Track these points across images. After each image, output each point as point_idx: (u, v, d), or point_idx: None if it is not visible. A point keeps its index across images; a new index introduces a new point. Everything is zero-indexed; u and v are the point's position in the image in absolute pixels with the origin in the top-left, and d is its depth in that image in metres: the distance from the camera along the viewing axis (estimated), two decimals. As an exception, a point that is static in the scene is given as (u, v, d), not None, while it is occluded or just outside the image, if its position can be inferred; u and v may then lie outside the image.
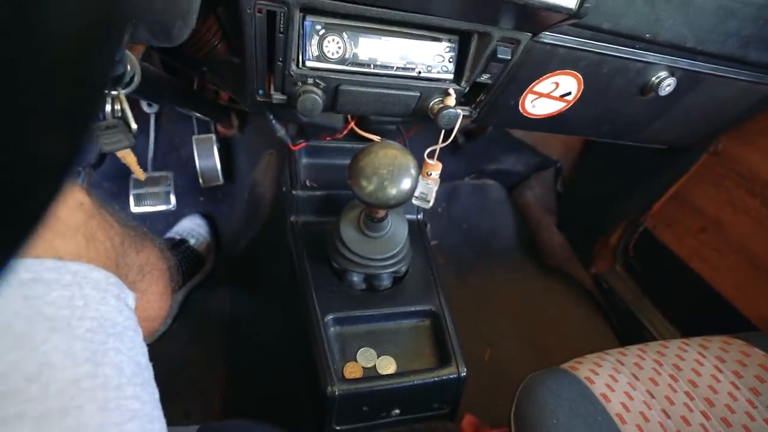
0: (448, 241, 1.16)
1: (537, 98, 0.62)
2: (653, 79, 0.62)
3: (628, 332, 1.09)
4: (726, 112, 0.74)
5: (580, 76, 0.59)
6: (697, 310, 0.99)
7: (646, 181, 1.05)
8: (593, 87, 0.61)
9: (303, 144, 0.73)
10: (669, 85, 0.62)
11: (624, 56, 0.57)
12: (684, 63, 0.61)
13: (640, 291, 1.11)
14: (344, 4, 0.44)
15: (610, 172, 1.19)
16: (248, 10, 0.41)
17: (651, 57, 0.58)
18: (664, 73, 0.61)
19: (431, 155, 0.62)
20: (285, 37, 0.45)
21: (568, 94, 0.62)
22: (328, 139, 0.76)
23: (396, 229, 0.57)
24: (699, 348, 0.60)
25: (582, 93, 0.62)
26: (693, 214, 1.00)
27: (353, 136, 0.72)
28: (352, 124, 0.71)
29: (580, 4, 0.43)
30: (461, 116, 0.57)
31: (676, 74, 0.62)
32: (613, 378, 0.56)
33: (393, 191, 0.37)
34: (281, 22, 0.44)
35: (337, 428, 0.55)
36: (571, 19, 0.44)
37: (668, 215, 1.06)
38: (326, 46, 0.48)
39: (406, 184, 0.38)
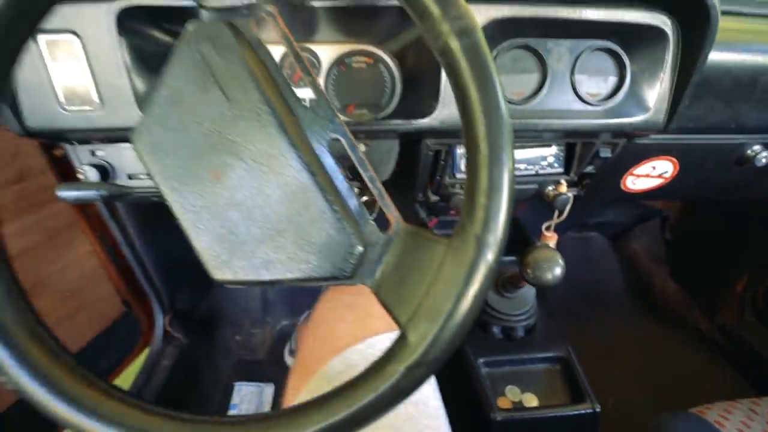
0: (557, 292, 1.25)
1: (636, 178, 0.75)
2: (748, 152, 0.71)
3: (763, 383, 1.04)
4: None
5: (675, 159, 0.71)
6: None
7: (763, 231, 1.05)
8: (689, 166, 0.72)
9: (435, 221, 0.95)
10: (765, 157, 0.70)
11: (715, 142, 0.68)
12: (776, 137, 0.70)
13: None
14: None
15: (722, 218, 1.19)
16: (426, 151, 0.64)
17: (742, 138, 0.69)
18: (759, 147, 0.71)
19: (548, 228, 0.78)
20: (444, 162, 0.67)
21: (665, 172, 0.74)
22: (453, 213, 0.97)
23: (527, 291, 0.73)
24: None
25: (679, 171, 0.73)
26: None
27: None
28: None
29: (668, 121, 0.58)
30: (572, 198, 0.73)
31: (771, 146, 0.70)
32: (746, 424, 0.62)
33: (549, 276, 0.55)
34: (442, 156, 0.66)
35: None
36: (659, 132, 0.59)
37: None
38: (471, 165, 0.69)
39: (558, 272, 0.55)
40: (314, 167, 0.30)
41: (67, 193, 0.47)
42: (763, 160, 0.70)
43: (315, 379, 0.47)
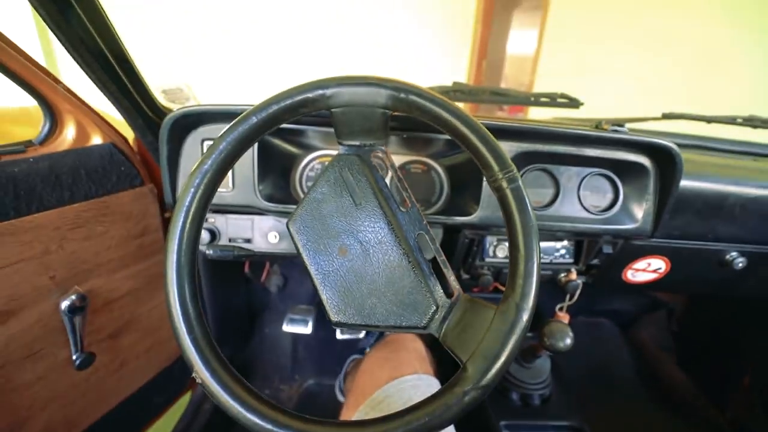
0: (571, 374, 1.32)
1: (635, 272, 0.90)
2: (727, 257, 0.86)
3: None
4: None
5: (666, 258, 0.87)
6: None
7: (764, 327, 1.15)
8: (679, 264, 0.87)
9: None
10: (741, 262, 0.85)
11: (698, 246, 0.84)
12: (750, 247, 0.85)
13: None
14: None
15: (724, 312, 1.29)
16: (463, 239, 0.81)
17: (720, 246, 0.84)
18: (735, 253, 0.86)
19: (561, 309, 0.92)
20: (477, 249, 0.84)
21: (659, 268, 0.89)
22: (476, 290, 1.11)
23: (543, 362, 0.85)
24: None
25: (670, 268, 0.88)
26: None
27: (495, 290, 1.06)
28: (496, 284, 1.05)
29: (654, 230, 0.75)
30: (581, 285, 0.87)
31: (746, 254, 0.85)
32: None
33: (561, 344, 0.68)
34: (475, 243, 0.83)
35: None
36: (648, 237, 0.75)
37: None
38: (497, 251, 0.86)
39: (568, 341, 0.69)
40: (407, 251, 0.47)
41: (213, 252, 0.64)
42: (740, 265, 0.84)
43: (364, 405, 0.61)
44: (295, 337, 1.38)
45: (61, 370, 0.74)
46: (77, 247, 0.72)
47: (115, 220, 0.79)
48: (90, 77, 0.64)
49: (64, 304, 0.71)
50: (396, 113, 0.46)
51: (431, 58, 3.04)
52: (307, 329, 1.23)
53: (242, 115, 0.45)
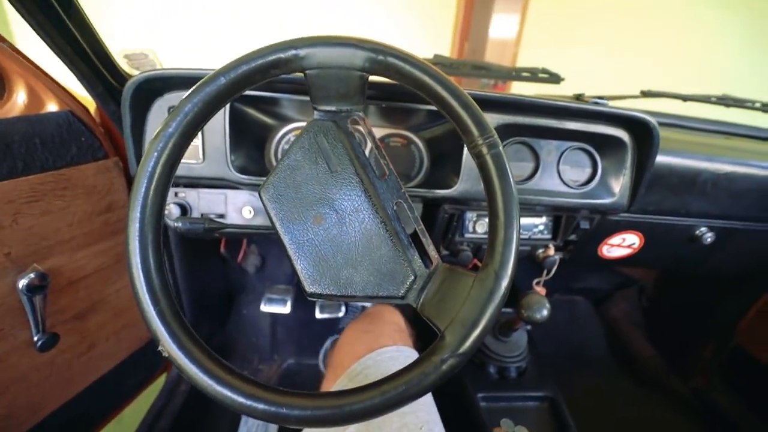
0: (546, 349, 1.36)
1: (611, 247, 0.91)
2: (696, 233, 0.89)
3: None
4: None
5: (641, 233, 0.88)
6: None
7: (725, 303, 1.20)
8: (652, 239, 0.89)
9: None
10: (710, 237, 0.88)
11: (670, 222, 0.86)
12: (718, 222, 0.88)
13: (745, 407, 1.17)
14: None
15: (691, 289, 1.35)
16: (442, 214, 0.81)
17: (691, 221, 0.87)
18: (705, 228, 0.88)
19: (538, 283, 0.93)
20: (456, 224, 0.83)
21: (633, 244, 0.91)
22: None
23: (520, 336, 0.86)
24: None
25: (644, 243, 0.90)
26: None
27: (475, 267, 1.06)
28: (476, 260, 1.05)
29: (630, 204, 0.76)
30: (558, 260, 0.88)
31: (714, 229, 0.88)
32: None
33: (538, 315, 0.69)
34: (455, 218, 0.82)
35: None
36: (624, 212, 0.77)
37: (758, 331, 1.18)
38: (477, 226, 0.85)
39: (545, 312, 0.69)
40: (385, 220, 0.45)
41: (182, 225, 0.61)
42: (708, 239, 0.87)
43: (343, 378, 0.61)
44: (275, 317, 1.36)
45: (22, 352, 0.70)
46: (34, 222, 0.68)
47: (77, 195, 0.74)
48: (41, 37, 0.59)
49: (22, 283, 0.67)
50: (374, 76, 0.44)
51: (413, 39, 2.98)
52: (285, 309, 1.22)
53: (209, 75, 0.42)
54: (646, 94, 0.91)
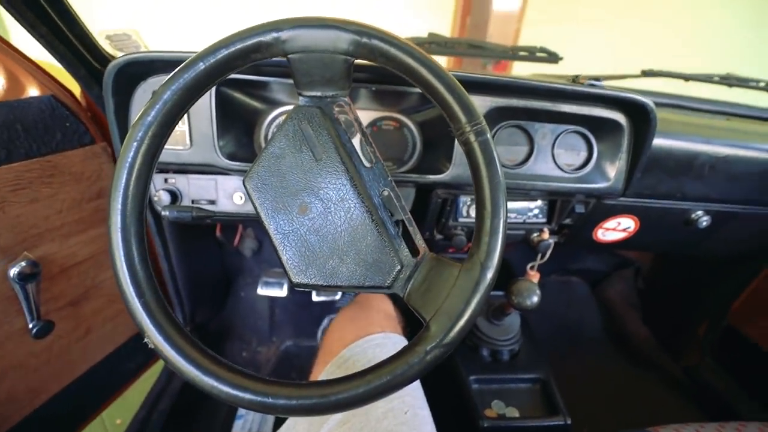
0: (541, 330, 1.38)
1: (605, 231, 0.91)
2: (692, 216, 0.88)
3: (714, 414, 1.15)
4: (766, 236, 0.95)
5: (636, 217, 0.88)
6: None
7: (720, 284, 1.21)
8: (647, 223, 0.89)
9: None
10: (705, 221, 0.87)
11: (666, 206, 0.85)
12: (715, 206, 0.87)
13: (735, 384, 1.19)
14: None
15: (686, 270, 1.35)
16: (435, 199, 0.80)
17: (687, 205, 0.86)
18: (701, 212, 0.87)
19: (532, 268, 0.93)
20: (450, 209, 0.82)
21: (629, 227, 0.90)
22: (451, 251, 1.11)
23: (513, 319, 0.87)
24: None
25: (639, 227, 0.89)
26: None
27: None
28: (470, 244, 1.05)
29: (625, 188, 0.74)
30: (553, 244, 0.88)
31: (711, 213, 0.87)
32: (691, 442, 0.74)
33: (528, 302, 0.69)
34: (448, 203, 0.81)
35: None
36: (620, 197, 0.76)
37: (750, 311, 1.19)
38: (471, 210, 0.85)
39: (535, 299, 0.69)
40: (371, 210, 0.45)
41: (169, 213, 0.60)
42: (704, 223, 0.86)
43: (330, 365, 0.62)
44: (272, 300, 1.37)
45: (18, 340, 0.71)
46: (21, 210, 0.67)
47: (65, 182, 0.73)
48: (14, 17, 0.57)
49: (13, 271, 0.66)
50: (359, 60, 0.42)
51: (415, 13, 2.89)
52: (282, 292, 1.22)
53: (187, 60, 0.40)
54: (646, 73, 0.88)
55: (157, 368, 1.07)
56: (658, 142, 0.72)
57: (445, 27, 3.04)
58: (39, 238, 0.71)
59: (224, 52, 0.40)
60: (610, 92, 0.65)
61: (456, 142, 0.67)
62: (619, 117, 0.69)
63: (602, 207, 0.84)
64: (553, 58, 0.86)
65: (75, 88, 0.76)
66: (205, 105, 0.64)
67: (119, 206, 0.38)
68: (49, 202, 0.71)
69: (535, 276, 0.92)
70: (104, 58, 0.72)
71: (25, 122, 0.65)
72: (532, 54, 0.88)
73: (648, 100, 0.64)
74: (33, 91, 0.69)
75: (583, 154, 0.74)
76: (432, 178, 0.69)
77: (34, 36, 0.60)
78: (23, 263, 0.68)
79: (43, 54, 0.66)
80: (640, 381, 1.27)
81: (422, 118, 0.72)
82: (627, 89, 0.68)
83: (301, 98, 0.46)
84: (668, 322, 1.38)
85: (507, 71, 2.84)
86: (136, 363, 0.99)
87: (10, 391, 0.72)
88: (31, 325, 0.70)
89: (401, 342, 0.68)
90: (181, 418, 1.03)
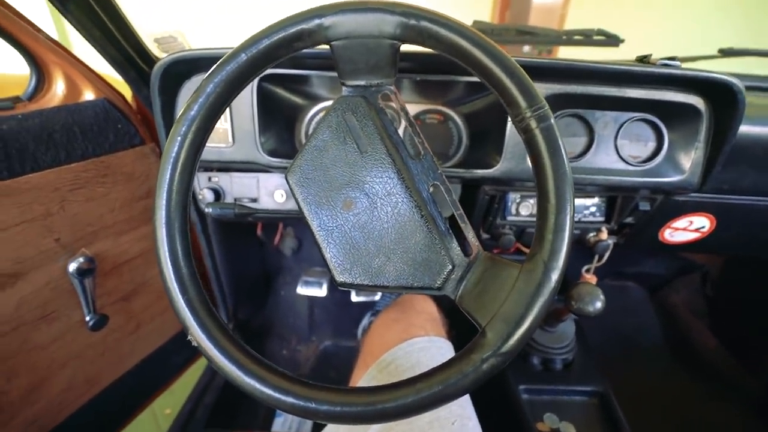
0: (594, 339, 1.28)
1: (674, 231, 0.82)
2: (784, 214, 0.76)
3: None
4: None
5: (712, 215, 0.78)
6: None
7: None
8: (725, 223, 0.78)
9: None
10: (802, 219, 0.75)
11: (749, 202, 0.75)
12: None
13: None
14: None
15: (763, 277, 1.20)
16: (483, 196, 0.75)
17: (777, 200, 0.75)
18: (793, 210, 0.76)
19: (588, 271, 0.85)
20: (498, 206, 0.77)
21: (702, 227, 0.80)
22: (496, 251, 1.05)
23: (567, 326, 0.80)
24: None
25: (716, 226, 0.79)
26: None
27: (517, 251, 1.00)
28: (518, 244, 0.99)
29: (702, 183, 0.66)
30: (611, 245, 0.80)
31: (805, 211, 0.76)
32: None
33: (591, 308, 0.63)
34: (496, 200, 0.76)
35: None
36: (694, 192, 0.67)
37: None
38: (521, 208, 0.79)
39: (598, 305, 0.63)
40: (420, 205, 0.41)
41: (212, 210, 0.60)
42: (803, 221, 0.75)
43: (372, 368, 0.59)
44: (312, 299, 1.37)
45: (76, 331, 0.74)
46: (79, 209, 0.70)
47: (117, 181, 0.76)
48: (70, 21, 0.59)
49: (72, 267, 0.70)
50: (406, 44, 0.39)
51: (451, 5, 2.82)
52: (321, 291, 1.22)
53: (229, 52, 0.39)
54: (725, 53, 0.78)
55: (202, 362, 1.10)
56: (743, 129, 0.63)
57: (483, 19, 2.95)
58: (94, 236, 0.74)
59: (266, 42, 0.38)
60: (689, 72, 0.57)
61: (507, 133, 0.62)
62: (696, 101, 0.61)
63: (671, 204, 0.76)
64: (613, 41, 0.78)
65: (126, 91, 0.78)
66: (247, 102, 0.64)
67: (164, 202, 0.38)
68: (103, 201, 0.74)
69: (592, 279, 0.85)
70: (152, 60, 0.74)
71: (82, 125, 0.68)
72: (588, 38, 0.80)
73: (735, 80, 0.56)
74: (89, 95, 0.72)
75: (651, 145, 0.67)
76: (480, 173, 0.64)
77: (88, 40, 0.62)
78: (81, 259, 0.71)
79: (98, 64, 0.69)
80: (713, 400, 1.14)
81: (468, 110, 0.68)
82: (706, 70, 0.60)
83: (344, 89, 0.44)
84: (742, 334, 1.23)
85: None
86: (183, 357, 1.02)
87: (70, 380, 0.76)
88: (87, 318, 0.73)
89: (446, 346, 0.64)
90: (224, 411, 1.05)
